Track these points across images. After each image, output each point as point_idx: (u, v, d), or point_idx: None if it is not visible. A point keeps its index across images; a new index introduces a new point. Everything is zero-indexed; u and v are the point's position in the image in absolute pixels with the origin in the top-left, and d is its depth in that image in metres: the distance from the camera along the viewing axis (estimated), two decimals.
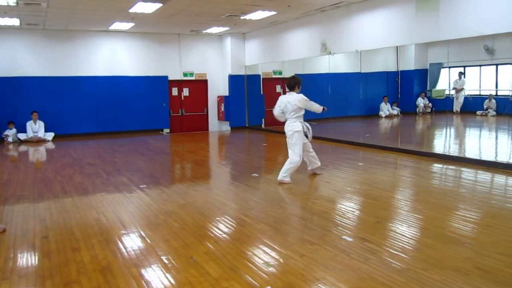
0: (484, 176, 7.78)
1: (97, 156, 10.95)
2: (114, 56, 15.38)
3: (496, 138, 13.12)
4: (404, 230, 4.91)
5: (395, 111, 18.88)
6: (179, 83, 16.56)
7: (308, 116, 18.37)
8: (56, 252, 4.44)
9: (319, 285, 3.58)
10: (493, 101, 16.79)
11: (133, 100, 15.64)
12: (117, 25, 13.82)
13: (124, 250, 4.47)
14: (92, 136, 14.89)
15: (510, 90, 16.02)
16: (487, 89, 17.35)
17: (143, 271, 3.95)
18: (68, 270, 4.01)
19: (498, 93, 16.94)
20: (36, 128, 13.99)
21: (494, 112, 16.60)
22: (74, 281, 3.77)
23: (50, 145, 13.37)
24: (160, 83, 16.08)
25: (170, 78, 16.29)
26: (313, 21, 12.90)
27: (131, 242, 4.72)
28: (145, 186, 7.43)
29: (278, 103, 7.57)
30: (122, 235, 4.95)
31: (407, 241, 4.56)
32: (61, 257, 4.30)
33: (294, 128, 7.38)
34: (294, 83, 7.51)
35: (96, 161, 10.09)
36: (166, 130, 16.30)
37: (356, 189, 7.05)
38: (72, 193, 7.05)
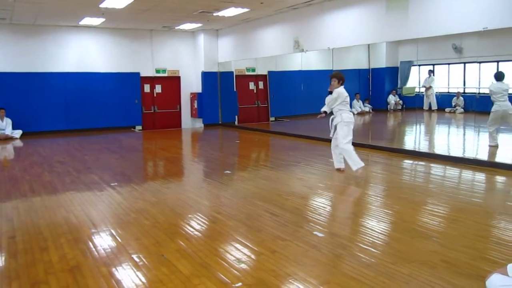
0: (452, 171, 7.97)
1: (67, 154, 10.74)
2: (84, 52, 15.08)
3: (464, 134, 13.46)
4: (374, 225, 4.99)
5: (367, 108, 19.16)
6: (152, 80, 16.37)
7: (282, 113, 18.43)
8: (23, 252, 4.34)
9: (290, 280, 3.61)
10: (461, 98, 17.22)
11: (104, 97, 15.37)
12: (87, 20, 13.55)
13: (94, 249, 4.41)
14: (61, 133, 14.57)
15: (477, 88, 16.46)
16: (455, 86, 17.78)
17: (113, 270, 3.91)
18: (35, 270, 3.92)
19: (466, 91, 17.38)
20: (3, 125, 13.60)
21: (462, 109, 17.03)
22: (42, 281, 3.69)
23: (18, 143, 13.03)
24: (132, 80, 15.85)
25: (142, 74, 16.08)
26: (286, 19, 12.95)
27: (101, 241, 4.65)
28: (116, 184, 7.33)
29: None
30: (92, 234, 4.88)
31: (376, 235, 4.64)
32: (28, 257, 4.21)
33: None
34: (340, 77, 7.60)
35: (66, 159, 9.90)
36: (138, 127, 16.10)
37: (328, 185, 7.12)
38: (40, 192, 6.90)
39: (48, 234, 4.88)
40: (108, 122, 15.50)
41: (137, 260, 4.10)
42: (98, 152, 10.98)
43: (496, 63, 15.98)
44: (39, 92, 14.40)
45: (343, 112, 7.46)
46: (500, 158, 8.89)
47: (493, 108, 9.44)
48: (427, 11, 8.91)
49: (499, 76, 9.56)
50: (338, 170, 7.80)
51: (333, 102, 7.46)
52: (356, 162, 7.25)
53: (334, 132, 7.64)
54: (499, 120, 9.48)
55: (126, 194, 6.66)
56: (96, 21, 13.64)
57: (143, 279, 3.70)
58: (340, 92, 7.43)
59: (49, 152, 10.98)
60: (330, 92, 7.56)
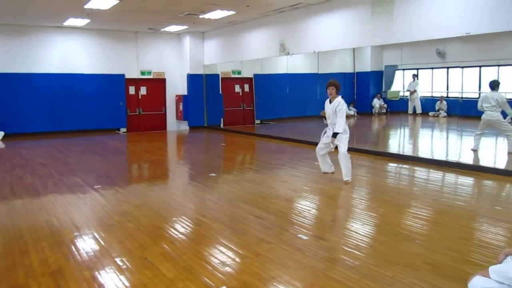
0: (435, 174, 8.05)
1: (50, 156, 10.59)
2: (68, 53, 14.91)
3: (447, 138, 13.62)
4: (358, 228, 5.01)
5: (352, 111, 19.28)
6: (137, 82, 16.25)
7: (268, 116, 18.42)
8: (3, 256, 4.26)
9: (275, 283, 3.60)
10: (444, 102, 17.44)
11: (89, 99, 15.20)
12: (71, 21, 13.41)
13: (76, 253, 4.35)
14: (44, 135, 14.38)
15: (459, 92, 16.69)
16: (439, 91, 18.01)
17: (96, 273, 3.86)
18: (15, 274, 3.86)
19: (449, 95, 17.62)
20: None
21: (445, 113, 17.24)
22: (22, 285, 3.63)
23: (0, 145, 12.82)
24: (117, 82, 15.72)
25: (127, 76, 15.95)
26: (272, 22, 12.98)
27: (84, 244, 4.59)
28: (99, 186, 7.25)
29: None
30: (74, 237, 4.81)
31: (361, 238, 4.66)
32: (8, 261, 4.13)
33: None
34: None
35: (49, 161, 9.76)
36: (123, 130, 15.96)
37: (313, 188, 7.14)
38: (22, 195, 6.79)
39: (29, 237, 4.81)
40: (92, 124, 15.34)
41: (120, 263, 4.05)
42: (82, 154, 10.86)
43: (478, 68, 16.23)
44: (22, 93, 14.19)
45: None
46: (482, 161, 9.02)
47: (482, 116, 9.42)
48: (412, 16, 9.00)
49: (492, 85, 9.35)
50: (330, 173, 7.67)
51: (343, 113, 7.07)
52: (349, 173, 7.18)
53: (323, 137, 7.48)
54: (485, 127, 9.53)
55: (110, 197, 6.59)
56: (81, 22, 13.50)
57: (126, 283, 3.65)
58: (343, 102, 7.20)
59: (31, 154, 10.83)
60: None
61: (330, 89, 7.22)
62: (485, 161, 9.08)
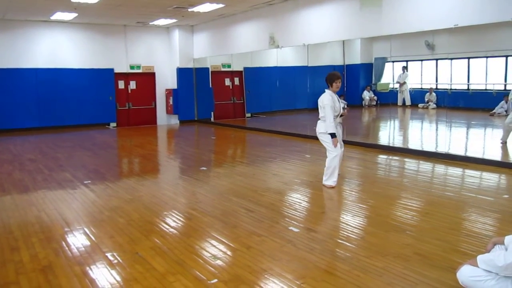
0: (425, 166, 8.10)
1: (39, 151, 10.50)
2: (56, 47, 14.74)
3: (436, 129, 13.71)
4: (349, 220, 5.04)
5: (342, 104, 19.30)
6: (126, 76, 16.13)
7: (258, 109, 18.41)
8: None
9: (266, 276, 3.61)
10: (434, 94, 17.55)
11: (78, 94, 15.07)
12: (59, 15, 13.25)
13: (66, 248, 4.33)
14: (33, 131, 14.24)
15: (448, 84, 16.80)
16: (428, 82, 18.12)
17: (87, 269, 3.84)
18: (5, 271, 3.83)
19: (438, 87, 17.73)
20: None
21: (435, 105, 17.35)
22: (12, 282, 3.61)
23: None
24: (106, 76, 15.59)
25: (116, 70, 15.83)
26: (262, 15, 12.93)
27: (75, 240, 4.57)
28: (89, 181, 7.21)
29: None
30: (65, 233, 4.78)
31: (351, 230, 4.69)
32: None
33: (318, 129, 6.73)
34: (326, 78, 6.60)
35: (38, 157, 9.68)
36: (113, 124, 15.86)
37: (303, 181, 7.15)
38: (11, 191, 6.73)
39: (19, 233, 4.77)
40: (81, 119, 15.23)
41: (111, 258, 4.04)
42: (71, 149, 10.78)
43: (467, 60, 16.34)
44: (9, 89, 14.02)
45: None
46: (471, 152, 9.10)
47: None
48: (400, 8, 9.02)
49: None
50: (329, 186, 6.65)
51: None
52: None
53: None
54: None
55: (100, 192, 6.56)
56: (68, 16, 13.35)
57: (118, 278, 3.65)
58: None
59: (20, 150, 10.73)
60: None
61: (338, 82, 6.56)
62: (473, 152, 9.15)
